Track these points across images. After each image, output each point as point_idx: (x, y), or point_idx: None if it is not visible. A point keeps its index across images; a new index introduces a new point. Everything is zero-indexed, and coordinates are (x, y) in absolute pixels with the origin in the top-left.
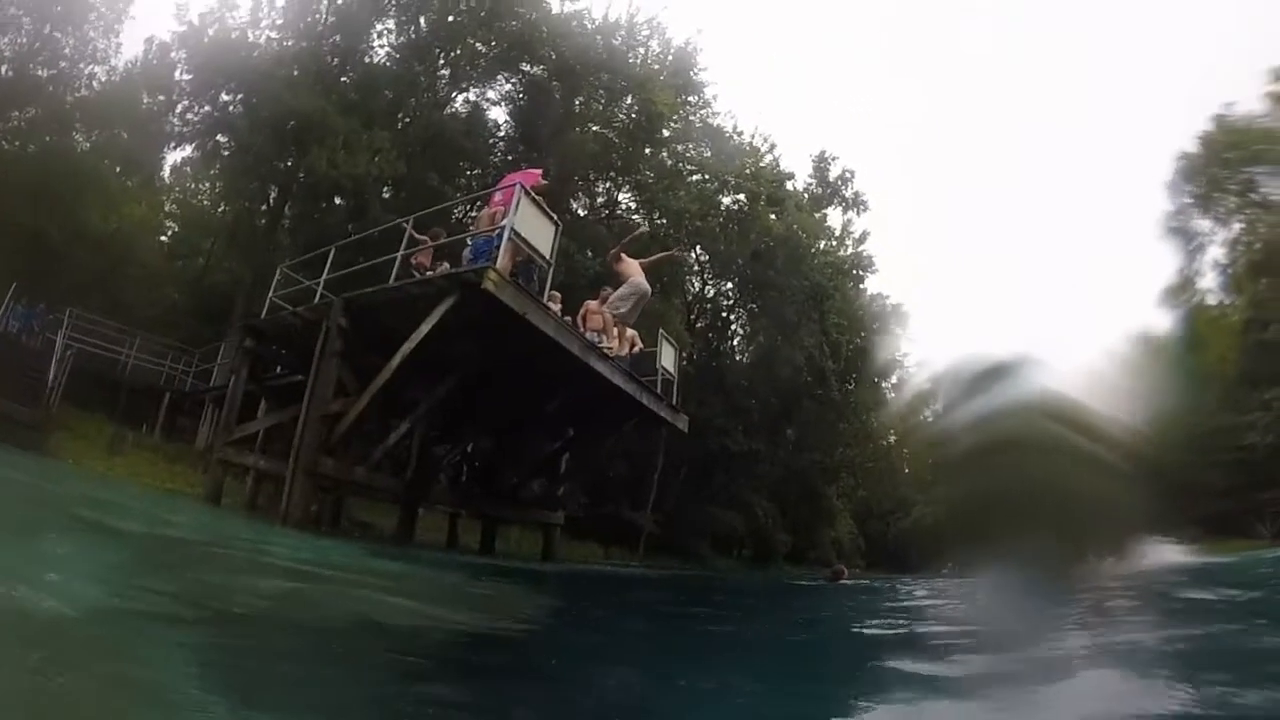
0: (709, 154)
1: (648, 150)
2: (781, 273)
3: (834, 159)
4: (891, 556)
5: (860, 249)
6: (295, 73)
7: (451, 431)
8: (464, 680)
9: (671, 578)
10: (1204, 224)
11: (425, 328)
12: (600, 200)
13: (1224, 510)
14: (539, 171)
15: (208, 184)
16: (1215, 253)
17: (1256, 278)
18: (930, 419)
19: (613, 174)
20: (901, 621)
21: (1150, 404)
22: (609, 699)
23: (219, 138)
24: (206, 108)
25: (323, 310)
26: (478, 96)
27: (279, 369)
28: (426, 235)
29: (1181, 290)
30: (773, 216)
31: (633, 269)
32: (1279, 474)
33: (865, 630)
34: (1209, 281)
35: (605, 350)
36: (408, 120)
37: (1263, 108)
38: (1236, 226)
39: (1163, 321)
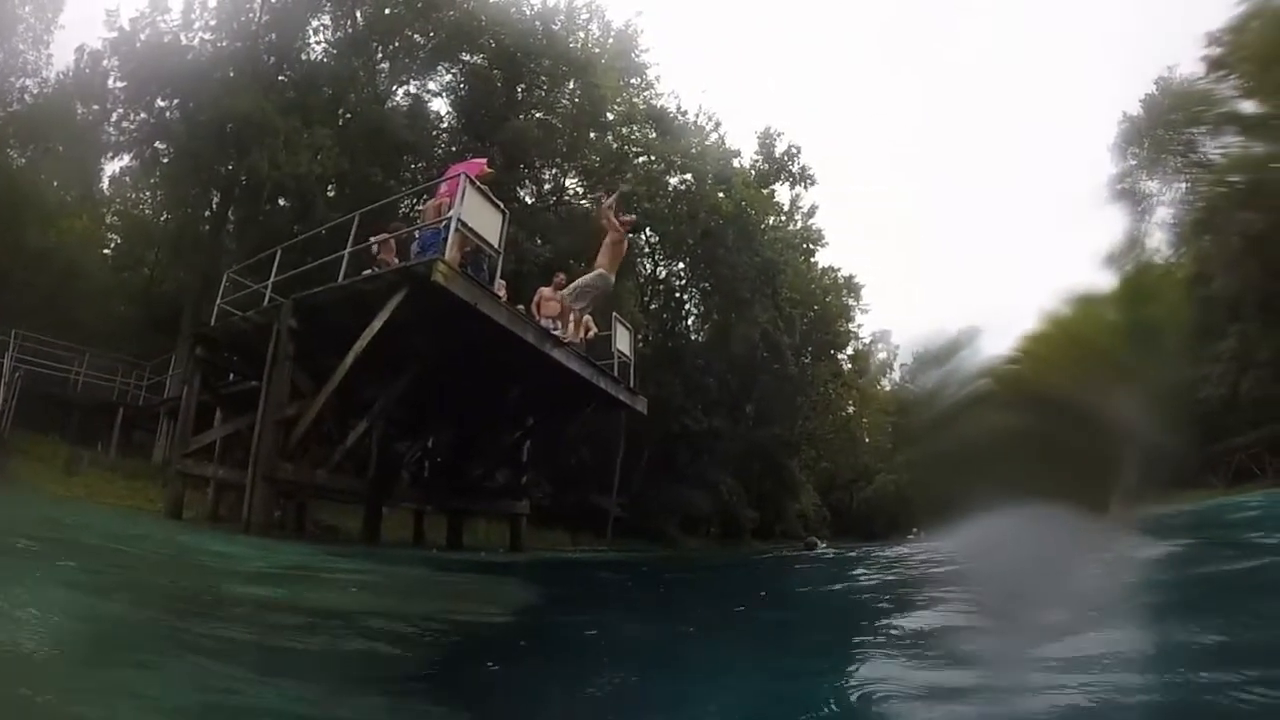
0: (654, 135)
1: (593, 134)
2: (732, 250)
3: (779, 134)
4: (857, 525)
5: (810, 223)
6: (231, 74)
7: (412, 428)
8: (434, 675)
9: (641, 560)
10: (1151, 185)
11: (376, 324)
12: (547, 186)
13: (1182, 462)
14: (483, 161)
15: (148, 192)
16: (1163, 213)
17: (1200, 235)
18: (889, 388)
19: (558, 159)
20: (880, 585)
21: (1108, 360)
22: (589, 687)
23: (157, 145)
24: (143, 115)
25: (272, 313)
26: (418, 89)
27: (232, 376)
28: (387, 231)
29: (1129, 251)
30: (721, 195)
31: (612, 255)
32: (1231, 425)
33: (853, 597)
34: (1157, 241)
35: (560, 337)
36: (349, 116)
37: (1200, 71)
38: (1181, 186)
39: (1109, 282)
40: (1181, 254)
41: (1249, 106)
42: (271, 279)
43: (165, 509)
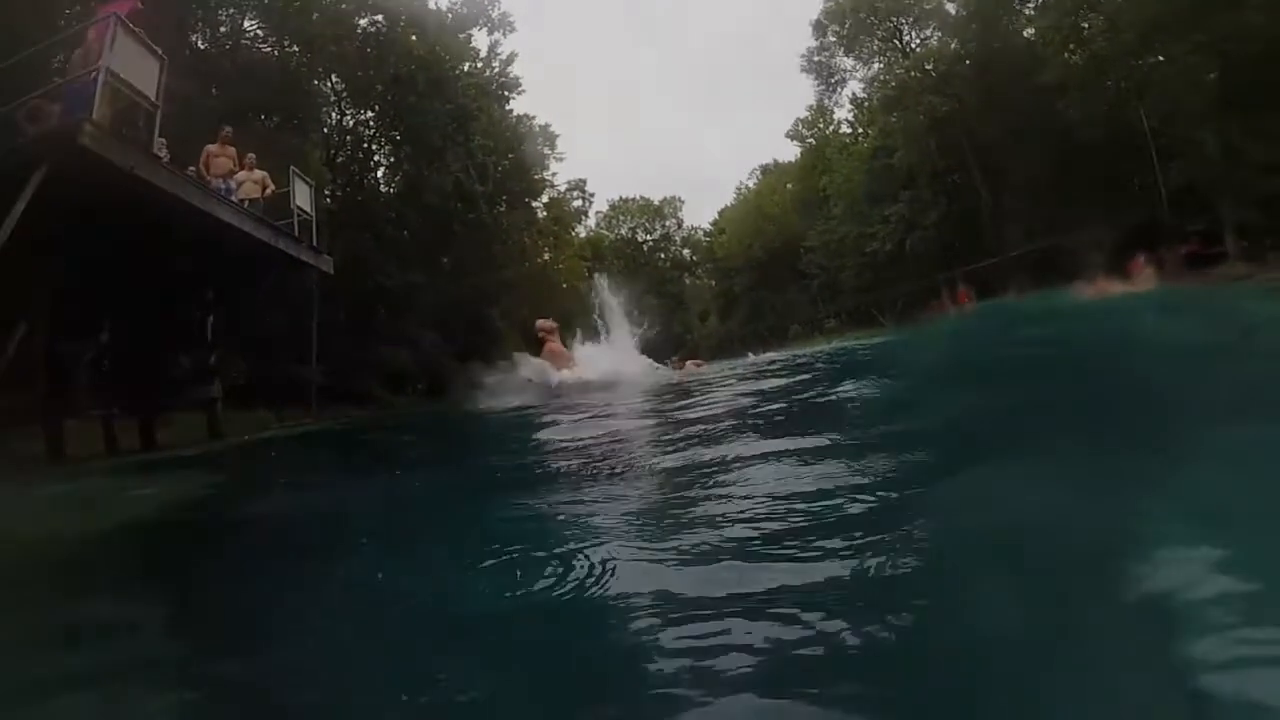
0: None
1: None
2: (424, 97)
3: None
4: None
5: (507, 70)
6: None
7: (81, 324)
8: (131, 599)
9: (348, 428)
10: (846, 62)
11: (20, 205)
12: (223, 30)
13: (856, 305)
14: None
15: None
16: (853, 88)
17: (889, 112)
18: (584, 234)
19: None
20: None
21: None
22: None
23: None
24: None
25: None
26: None
27: None
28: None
29: (816, 121)
30: (413, 38)
31: None
32: (896, 274)
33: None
34: (843, 114)
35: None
36: None
37: None
38: (877, 66)
39: (793, 151)
40: (867, 128)
41: (952, 8)
42: None
43: None
